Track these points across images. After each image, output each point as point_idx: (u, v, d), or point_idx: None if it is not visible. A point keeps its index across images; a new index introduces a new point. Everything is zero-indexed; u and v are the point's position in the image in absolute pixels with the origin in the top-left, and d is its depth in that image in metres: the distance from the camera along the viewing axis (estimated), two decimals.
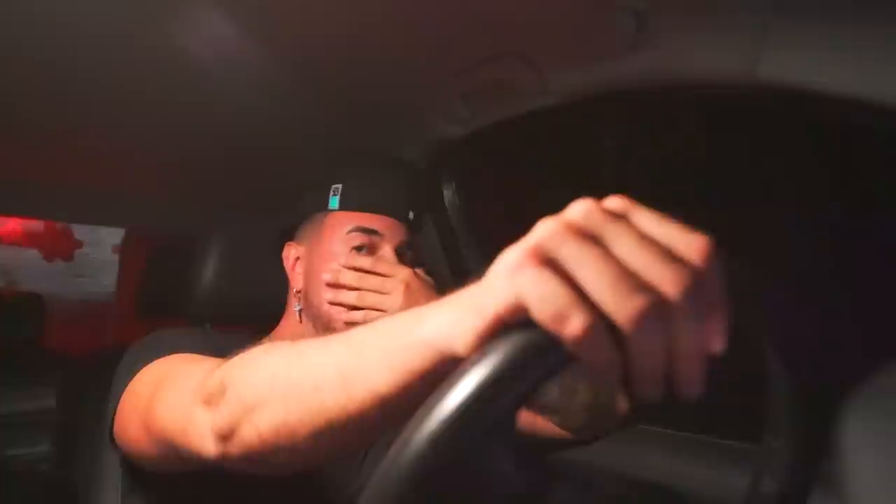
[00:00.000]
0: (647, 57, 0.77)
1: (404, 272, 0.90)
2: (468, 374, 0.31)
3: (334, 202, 0.95)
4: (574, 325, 0.30)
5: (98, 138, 1.01)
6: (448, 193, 1.26)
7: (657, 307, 0.30)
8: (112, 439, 0.76)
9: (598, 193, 0.35)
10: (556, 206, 0.35)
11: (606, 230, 0.33)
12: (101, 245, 3.28)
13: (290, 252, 0.98)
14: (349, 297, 0.89)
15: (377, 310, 0.89)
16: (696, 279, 0.31)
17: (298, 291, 0.96)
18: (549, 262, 0.32)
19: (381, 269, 0.90)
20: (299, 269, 0.97)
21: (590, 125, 1.34)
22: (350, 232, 0.92)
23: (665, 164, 1.30)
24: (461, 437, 0.31)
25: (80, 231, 3.30)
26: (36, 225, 3.13)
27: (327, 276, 0.91)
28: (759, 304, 0.38)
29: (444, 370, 0.36)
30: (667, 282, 0.31)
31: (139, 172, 1.14)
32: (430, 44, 0.85)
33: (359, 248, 0.92)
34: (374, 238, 0.92)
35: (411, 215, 0.96)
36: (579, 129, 1.33)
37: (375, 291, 0.89)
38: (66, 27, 0.74)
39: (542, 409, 0.93)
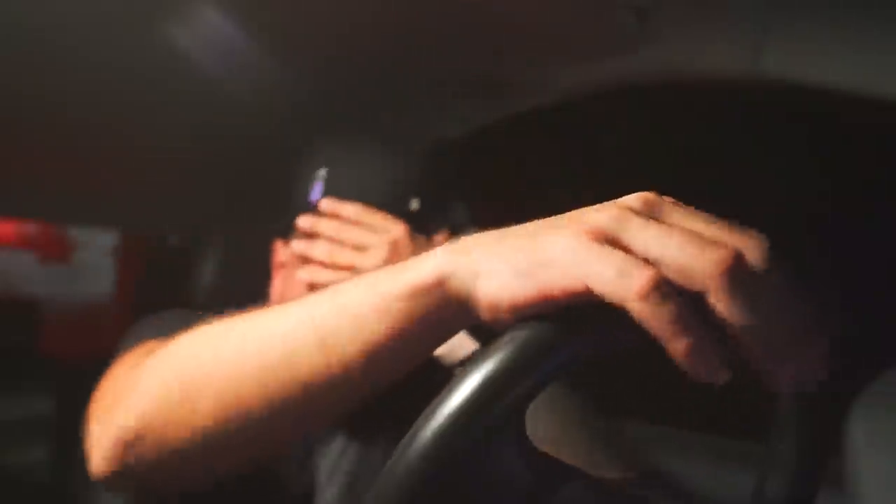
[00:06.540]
0: (648, 54, 0.76)
1: (398, 229, 0.73)
2: (483, 362, 0.30)
3: (317, 193, 0.79)
4: (638, 279, 0.27)
5: (94, 138, 1.00)
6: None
7: (739, 260, 0.27)
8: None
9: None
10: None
11: (664, 212, 0.31)
12: (98, 247, 3.27)
13: (279, 253, 0.81)
14: (320, 252, 0.73)
15: (348, 270, 0.72)
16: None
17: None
18: (612, 242, 0.30)
19: (368, 219, 0.74)
20: (282, 277, 0.80)
21: (592, 123, 1.33)
22: None
23: (668, 162, 1.30)
24: (469, 432, 0.30)
25: (75, 233, 3.28)
26: (30, 227, 3.11)
27: (303, 223, 0.75)
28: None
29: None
30: (742, 239, 0.28)
31: (137, 173, 1.13)
32: (430, 43, 0.84)
33: None
34: None
35: (415, 204, 0.78)
36: (581, 128, 1.33)
37: (353, 247, 0.73)
38: (63, 26, 0.74)
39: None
